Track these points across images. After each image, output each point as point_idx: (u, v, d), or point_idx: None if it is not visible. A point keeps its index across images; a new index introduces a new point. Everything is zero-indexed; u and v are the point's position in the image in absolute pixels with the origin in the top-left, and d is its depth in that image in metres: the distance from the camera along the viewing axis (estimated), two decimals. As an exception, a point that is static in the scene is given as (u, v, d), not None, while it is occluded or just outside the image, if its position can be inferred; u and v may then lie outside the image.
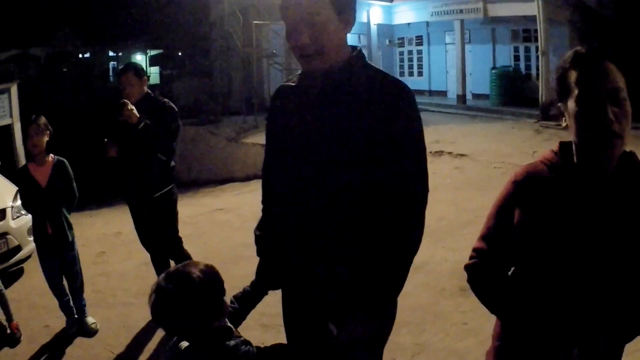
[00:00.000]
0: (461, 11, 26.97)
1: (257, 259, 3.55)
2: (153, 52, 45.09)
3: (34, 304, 7.93)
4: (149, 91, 6.92)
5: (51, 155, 6.63)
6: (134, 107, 6.27)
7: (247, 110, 25.75)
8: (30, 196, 6.65)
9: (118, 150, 6.67)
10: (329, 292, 2.90)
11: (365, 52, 3.09)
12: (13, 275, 9.00)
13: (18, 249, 8.74)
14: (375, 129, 2.66)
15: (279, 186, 3.10)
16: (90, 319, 6.95)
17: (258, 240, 3.36)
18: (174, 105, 6.81)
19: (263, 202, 3.40)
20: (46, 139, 6.50)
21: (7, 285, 7.24)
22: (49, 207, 6.55)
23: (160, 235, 7.01)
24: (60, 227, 6.59)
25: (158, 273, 6.78)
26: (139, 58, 49.32)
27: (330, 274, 2.86)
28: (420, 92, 32.17)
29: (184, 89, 29.63)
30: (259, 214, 3.48)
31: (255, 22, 26.56)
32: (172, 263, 7.04)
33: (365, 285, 2.73)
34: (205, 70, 31.27)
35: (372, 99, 2.71)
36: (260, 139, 19.55)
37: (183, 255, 7.02)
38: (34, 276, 8.68)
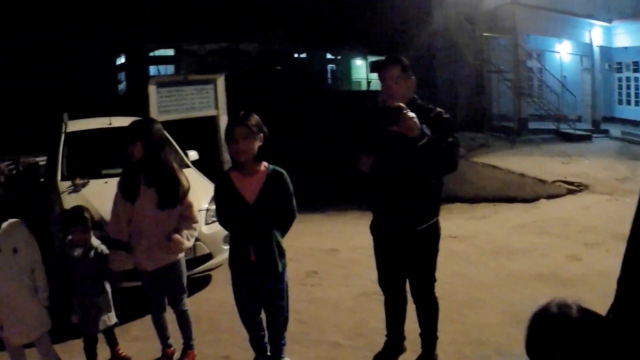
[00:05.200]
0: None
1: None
2: (373, 59, 44.73)
3: (216, 324, 7.18)
4: (415, 95, 5.48)
5: (264, 163, 5.41)
6: (414, 115, 4.92)
7: (477, 128, 24.26)
8: (231, 213, 5.45)
9: (373, 164, 5.37)
10: None
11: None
12: (197, 282, 8.22)
13: (208, 257, 8.15)
14: None
15: None
16: (287, 361, 5.87)
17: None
18: (449, 117, 5.43)
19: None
20: (258, 143, 5.25)
21: (188, 294, 6.34)
22: (256, 229, 5.34)
23: (412, 275, 5.72)
24: (269, 254, 5.36)
25: (390, 319, 6.01)
26: (359, 63, 51.35)
27: None
28: (637, 123, 29.44)
29: (406, 99, 28.94)
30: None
31: (484, 34, 25.42)
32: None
33: None
34: (428, 81, 30.05)
35: None
36: (491, 159, 18.65)
37: (432, 301, 5.77)
38: (222, 288, 7.75)
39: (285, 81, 38.67)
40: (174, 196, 5.65)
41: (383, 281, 5.86)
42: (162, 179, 5.63)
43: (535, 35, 28.17)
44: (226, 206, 5.43)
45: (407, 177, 5.24)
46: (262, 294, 5.52)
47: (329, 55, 51.69)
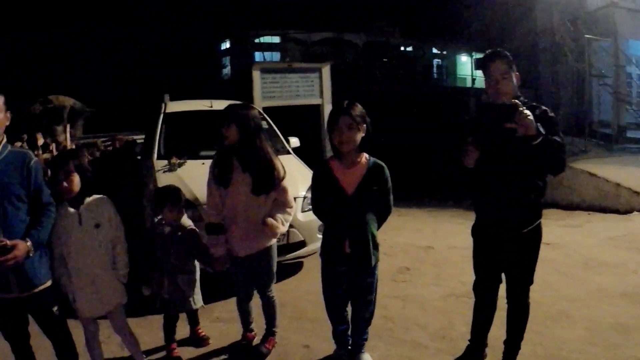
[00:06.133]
0: None
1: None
2: (478, 55, 44.01)
3: (301, 312, 7.09)
4: (519, 92, 5.19)
5: (365, 155, 5.26)
6: (530, 113, 4.63)
7: (576, 132, 23.64)
8: (328, 202, 5.33)
9: (479, 161, 5.04)
10: None
11: None
12: (288, 269, 8.29)
13: (301, 244, 8.04)
14: None
15: None
16: (366, 357, 5.68)
17: None
18: (554, 116, 5.14)
19: None
20: (361, 134, 5.11)
21: (277, 280, 6.25)
22: (353, 221, 5.24)
23: (511, 277, 5.42)
24: (364, 247, 5.23)
25: (476, 324, 5.70)
26: (464, 59, 50.94)
27: None
28: None
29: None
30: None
31: (587, 35, 24.39)
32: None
33: None
34: (530, 81, 29.50)
35: None
36: (588, 166, 17.94)
37: (526, 306, 5.43)
38: (312, 277, 7.68)
39: (390, 74, 38.45)
40: (269, 182, 5.51)
41: (479, 285, 5.60)
42: (257, 165, 5.49)
43: (635, 40, 27.21)
44: (323, 195, 5.31)
45: (516, 177, 4.99)
46: (352, 287, 5.39)
47: (434, 50, 50.93)
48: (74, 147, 15.63)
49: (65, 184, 4.77)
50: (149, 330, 6.25)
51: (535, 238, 5.18)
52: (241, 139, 5.43)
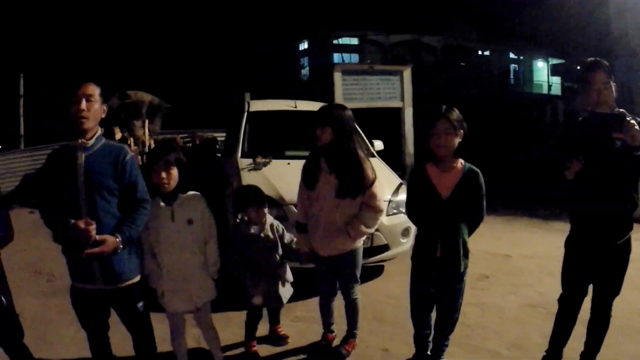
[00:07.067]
0: None
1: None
2: (554, 61, 43.20)
3: (381, 315, 7.01)
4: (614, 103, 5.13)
5: (460, 160, 5.19)
6: (636, 124, 4.60)
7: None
8: (423, 206, 5.25)
9: (582, 171, 4.94)
10: None
11: None
12: (369, 271, 8.12)
13: (385, 248, 7.95)
14: None
15: None
16: (444, 364, 5.62)
17: None
18: None
19: None
20: (457, 139, 5.04)
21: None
22: (446, 225, 5.18)
23: (599, 286, 5.37)
24: (455, 252, 5.19)
25: (557, 335, 5.58)
26: (540, 65, 49.80)
27: None
28: None
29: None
30: None
31: None
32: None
33: None
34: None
35: None
36: None
37: (608, 316, 5.40)
38: (393, 281, 7.83)
39: (468, 78, 38.00)
40: (356, 186, 5.45)
41: (567, 297, 5.50)
42: (344, 167, 5.45)
43: None
44: (419, 199, 5.24)
45: (615, 188, 4.92)
46: (439, 292, 5.33)
47: (511, 55, 50.28)
48: (152, 142, 15.82)
49: (163, 174, 4.75)
50: (226, 326, 6.26)
51: (627, 249, 5.12)
52: (334, 141, 5.43)
